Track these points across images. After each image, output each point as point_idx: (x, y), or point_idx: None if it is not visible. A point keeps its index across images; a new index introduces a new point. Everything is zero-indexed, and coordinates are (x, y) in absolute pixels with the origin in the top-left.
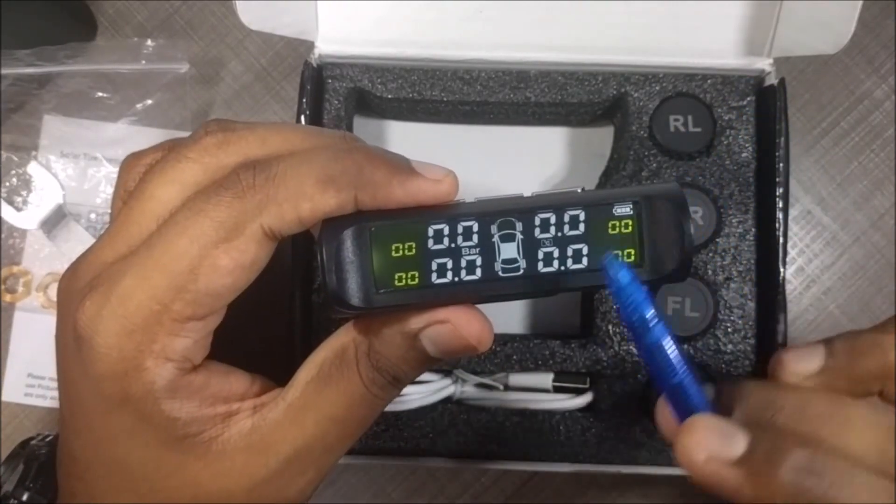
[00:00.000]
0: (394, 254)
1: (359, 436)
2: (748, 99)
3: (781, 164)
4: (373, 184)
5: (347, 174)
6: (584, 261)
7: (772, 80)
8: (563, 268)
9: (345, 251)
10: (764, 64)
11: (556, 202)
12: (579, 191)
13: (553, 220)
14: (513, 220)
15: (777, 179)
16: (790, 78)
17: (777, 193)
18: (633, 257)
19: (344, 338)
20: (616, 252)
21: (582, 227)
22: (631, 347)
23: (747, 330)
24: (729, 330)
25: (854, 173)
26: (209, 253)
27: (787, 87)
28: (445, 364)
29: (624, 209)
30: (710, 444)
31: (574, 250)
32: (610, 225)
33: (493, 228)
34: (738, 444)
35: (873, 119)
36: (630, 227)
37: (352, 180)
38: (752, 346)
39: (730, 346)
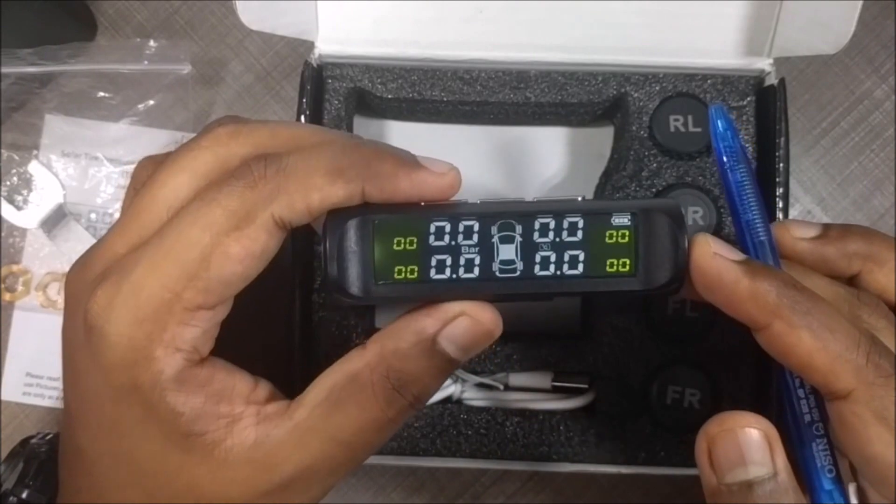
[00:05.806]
0: (395, 247)
1: (365, 459)
2: (748, 99)
3: (781, 164)
4: (380, 176)
5: (356, 166)
6: (580, 267)
7: (772, 80)
8: (558, 272)
9: (347, 241)
10: (764, 64)
11: (556, 208)
12: (580, 199)
13: (552, 224)
14: (513, 222)
15: (777, 179)
16: (790, 78)
17: (777, 193)
18: (627, 267)
19: (357, 363)
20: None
21: (580, 234)
22: (631, 347)
23: (747, 329)
24: (729, 330)
25: (854, 173)
26: (221, 241)
27: (787, 87)
28: None
29: (622, 220)
30: (720, 246)
31: (571, 256)
32: (607, 234)
33: (494, 229)
34: (740, 254)
35: (873, 119)
36: (627, 238)
37: (360, 172)
38: (752, 345)
39: (730, 346)
